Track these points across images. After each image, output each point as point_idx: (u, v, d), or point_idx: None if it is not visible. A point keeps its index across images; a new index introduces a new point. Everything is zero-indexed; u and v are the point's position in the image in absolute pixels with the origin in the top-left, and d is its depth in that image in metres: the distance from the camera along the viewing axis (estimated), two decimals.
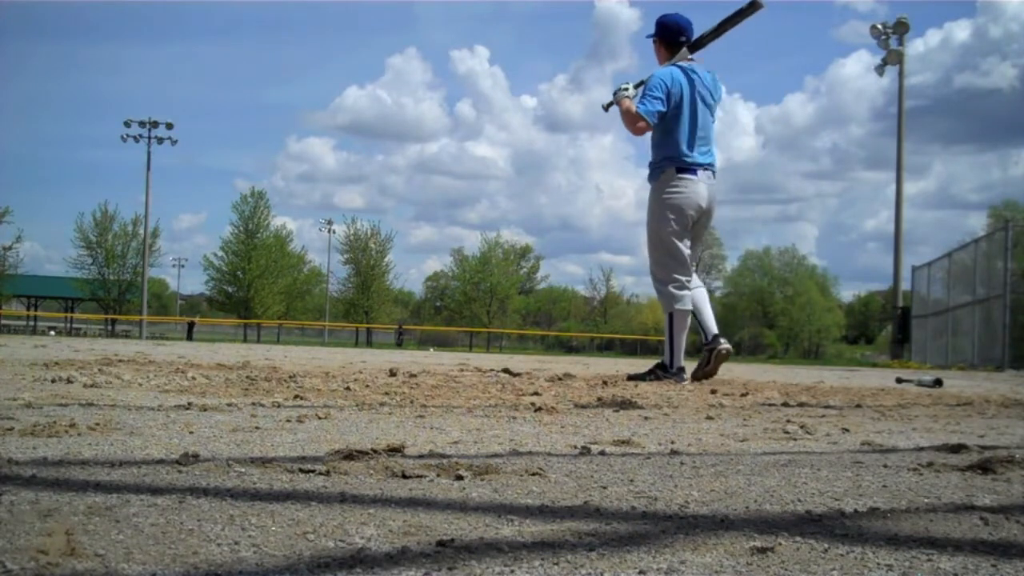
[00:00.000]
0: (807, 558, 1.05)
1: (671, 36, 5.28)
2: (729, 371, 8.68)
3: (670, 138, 5.10)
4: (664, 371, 5.09)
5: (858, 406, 3.63)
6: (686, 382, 5.00)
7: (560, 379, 4.91)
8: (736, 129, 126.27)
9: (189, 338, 38.41)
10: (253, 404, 2.83)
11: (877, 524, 1.24)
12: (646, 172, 5.32)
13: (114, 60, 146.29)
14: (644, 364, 8.15)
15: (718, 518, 1.26)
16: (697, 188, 5.09)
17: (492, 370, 5.64)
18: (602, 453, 1.95)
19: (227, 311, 56.60)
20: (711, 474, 1.67)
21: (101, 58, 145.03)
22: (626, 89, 5.16)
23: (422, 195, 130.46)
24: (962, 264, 21.33)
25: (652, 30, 5.38)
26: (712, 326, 5.18)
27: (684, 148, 5.07)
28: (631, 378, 5.11)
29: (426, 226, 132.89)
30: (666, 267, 5.16)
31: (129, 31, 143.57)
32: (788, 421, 2.80)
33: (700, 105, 5.11)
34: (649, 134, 5.16)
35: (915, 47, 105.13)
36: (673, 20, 5.32)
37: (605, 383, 4.64)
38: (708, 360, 5.15)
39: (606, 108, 5.34)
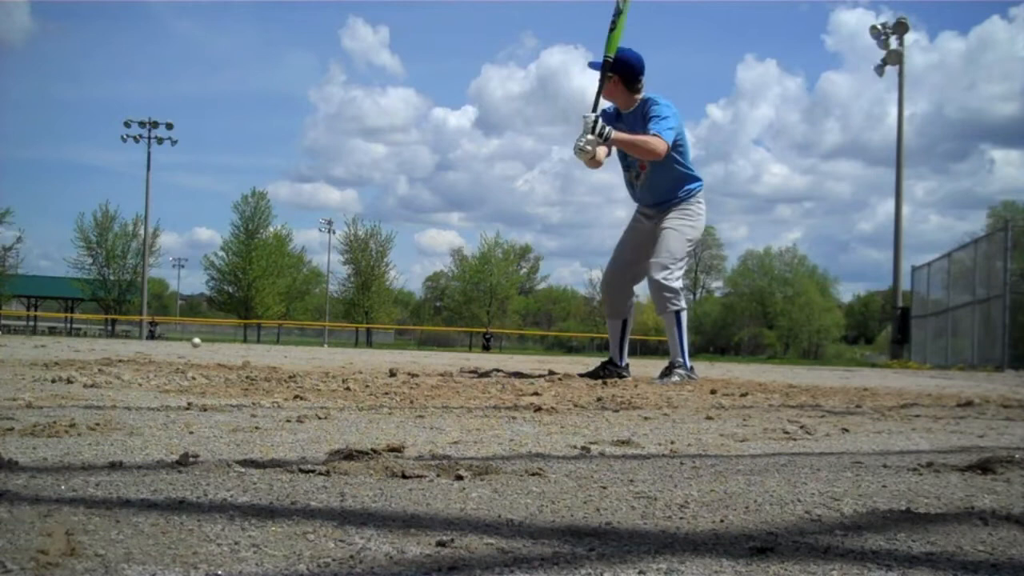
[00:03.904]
0: (807, 558, 1.05)
1: (634, 75, 5.07)
2: (729, 371, 8.67)
3: (688, 162, 5.25)
4: (672, 368, 5.10)
5: (858, 406, 3.63)
6: (692, 378, 5.09)
7: (560, 379, 4.91)
8: (736, 126, 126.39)
9: (151, 337, 38.08)
10: (253, 404, 2.83)
11: (877, 525, 1.24)
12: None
13: (115, 60, 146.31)
14: (644, 364, 8.13)
15: (718, 518, 1.26)
16: None
17: (492, 370, 5.64)
18: (602, 453, 1.95)
19: (227, 311, 56.59)
20: (711, 474, 1.67)
21: (102, 58, 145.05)
22: (598, 121, 4.84)
23: (424, 195, 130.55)
24: (962, 264, 21.33)
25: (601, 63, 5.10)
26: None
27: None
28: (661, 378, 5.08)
29: (426, 226, 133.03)
30: (679, 271, 5.25)
31: (129, 30, 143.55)
32: (788, 421, 2.80)
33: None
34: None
35: (920, 45, 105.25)
36: (637, 57, 5.12)
37: (605, 383, 4.64)
38: (610, 375, 5.30)
39: (598, 135, 4.79)
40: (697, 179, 5.31)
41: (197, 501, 1.25)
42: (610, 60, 4.96)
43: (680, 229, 5.20)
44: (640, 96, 5.12)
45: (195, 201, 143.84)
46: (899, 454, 2.08)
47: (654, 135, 4.91)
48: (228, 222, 72.53)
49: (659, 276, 5.09)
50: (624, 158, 5.29)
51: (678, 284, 5.18)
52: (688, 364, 5.17)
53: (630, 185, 5.45)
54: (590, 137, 4.79)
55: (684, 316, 5.20)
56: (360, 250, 60.40)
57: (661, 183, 5.24)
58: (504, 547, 1.05)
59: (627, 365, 5.57)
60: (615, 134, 4.84)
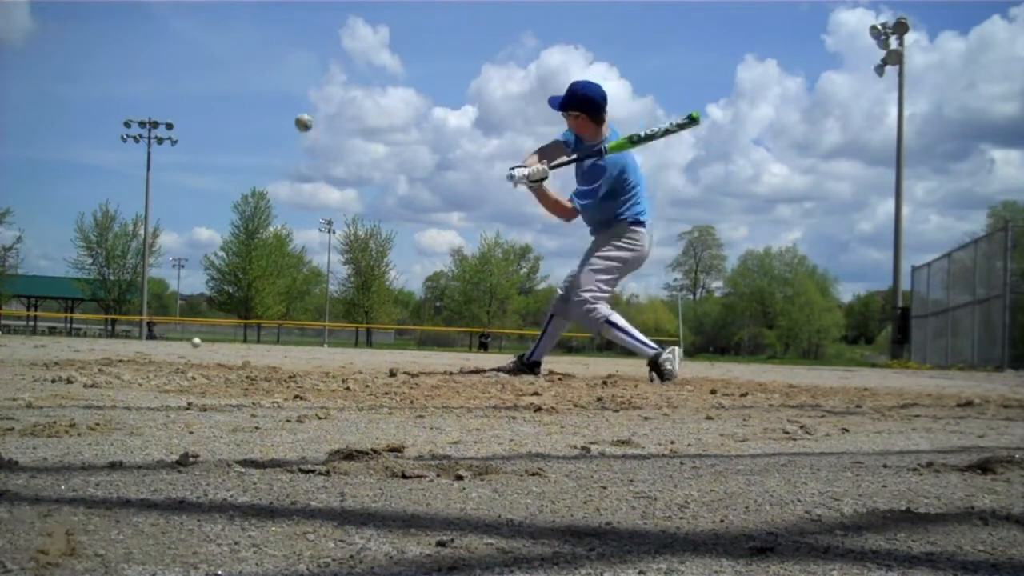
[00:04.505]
0: (807, 558, 1.05)
1: (597, 109, 5.10)
2: (729, 371, 8.67)
3: (622, 199, 5.25)
4: (656, 365, 5.07)
5: (858, 406, 3.63)
6: (677, 354, 5.08)
7: (560, 379, 4.91)
8: (736, 126, 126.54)
9: (151, 337, 38.24)
10: (253, 404, 2.83)
11: (877, 525, 1.24)
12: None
13: (115, 60, 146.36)
14: (644, 365, 8.15)
15: (718, 518, 1.26)
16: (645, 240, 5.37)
17: (492, 370, 5.64)
18: (602, 453, 1.95)
19: (227, 311, 56.58)
20: (711, 474, 1.67)
21: (102, 58, 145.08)
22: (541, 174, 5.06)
23: (424, 195, 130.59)
24: (962, 264, 21.34)
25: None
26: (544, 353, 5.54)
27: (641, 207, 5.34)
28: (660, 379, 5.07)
29: (426, 226, 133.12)
30: (600, 293, 5.31)
31: (129, 30, 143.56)
32: (788, 421, 2.80)
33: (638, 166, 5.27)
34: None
35: (920, 45, 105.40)
36: (599, 92, 5.14)
37: (605, 383, 4.63)
38: (527, 370, 5.37)
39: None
40: (631, 212, 5.26)
41: (197, 501, 1.25)
42: (604, 151, 5.08)
43: (595, 260, 5.29)
44: (605, 129, 5.16)
45: (195, 201, 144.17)
46: (899, 454, 2.08)
47: (570, 203, 5.17)
48: (228, 222, 72.62)
49: (579, 312, 5.24)
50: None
51: (599, 303, 5.22)
52: (656, 348, 5.15)
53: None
54: (527, 171, 4.98)
55: (616, 318, 5.23)
56: (360, 250, 60.36)
57: (595, 218, 5.38)
58: (504, 547, 1.05)
59: (537, 364, 5.51)
60: (541, 189, 5.07)
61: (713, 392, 4.20)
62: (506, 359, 6.03)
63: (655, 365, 5.06)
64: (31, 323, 57.44)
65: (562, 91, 5.27)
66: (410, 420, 2.52)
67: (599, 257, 5.31)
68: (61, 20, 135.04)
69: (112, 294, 54.57)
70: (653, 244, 5.49)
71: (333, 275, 61.88)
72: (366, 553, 1.00)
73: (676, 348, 5.18)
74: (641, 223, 5.31)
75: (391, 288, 62.95)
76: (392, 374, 4.75)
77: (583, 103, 5.09)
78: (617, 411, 3.05)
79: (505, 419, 2.63)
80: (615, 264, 5.31)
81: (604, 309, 5.22)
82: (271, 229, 56.98)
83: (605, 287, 5.29)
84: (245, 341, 40.95)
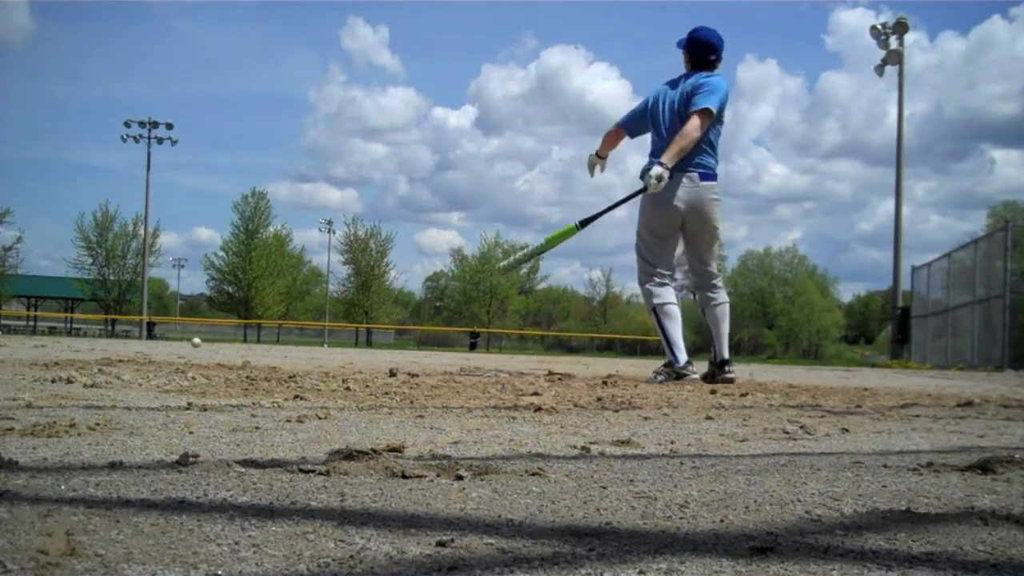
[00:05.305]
0: (807, 558, 1.05)
1: (698, 51, 5.41)
2: None
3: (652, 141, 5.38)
4: (671, 368, 5.06)
5: (858, 406, 3.63)
6: (696, 375, 5.03)
7: (560, 379, 4.91)
8: (736, 126, 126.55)
9: (151, 337, 38.28)
10: (253, 404, 2.83)
11: (877, 525, 1.24)
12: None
13: (115, 60, 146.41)
14: (644, 364, 8.15)
15: (718, 518, 1.26)
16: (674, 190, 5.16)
17: (492, 370, 5.64)
18: (602, 453, 1.95)
19: (227, 311, 56.59)
20: (711, 474, 1.67)
21: (102, 58, 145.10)
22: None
23: (424, 195, 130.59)
24: (962, 264, 21.34)
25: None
26: (722, 348, 5.29)
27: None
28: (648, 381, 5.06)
29: (426, 226, 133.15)
30: (648, 274, 5.36)
31: (129, 30, 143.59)
32: (788, 421, 2.80)
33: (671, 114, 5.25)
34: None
35: (920, 45, 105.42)
36: (704, 38, 5.43)
37: (605, 383, 4.64)
38: (710, 378, 5.23)
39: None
40: (650, 156, 5.30)
41: (197, 501, 1.25)
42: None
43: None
44: (716, 69, 5.38)
45: (195, 201, 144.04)
46: (899, 454, 2.08)
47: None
48: (228, 222, 72.77)
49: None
50: None
51: (651, 286, 5.28)
52: (679, 360, 5.09)
53: None
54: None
55: (664, 311, 5.21)
56: (360, 250, 60.37)
57: None
58: (504, 547, 1.05)
59: (726, 361, 5.30)
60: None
61: (713, 392, 4.20)
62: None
63: (667, 368, 5.08)
64: (31, 323, 57.45)
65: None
66: (410, 420, 2.52)
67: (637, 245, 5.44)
68: (61, 20, 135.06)
69: (112, 294, 54.59)
70: (678, 187, 5.13)
71: (333, 275, 61.97)
72: (366, 553, 1.00)
73: (688, 371, 5.05)
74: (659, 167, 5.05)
75: (391, 288, 62.99)
76: (392, 374, 4.75)
77: (690, 43, 5.45)
78: (617, 411, 3.05)
79: (505, 419, 2.63)
80: (647, 231, 5.34)
81: (655, 296, 5.26)
82: (271, 229, 57.05)
83: (647, 262, 5.34)
84: (245, 341, 40.95)
